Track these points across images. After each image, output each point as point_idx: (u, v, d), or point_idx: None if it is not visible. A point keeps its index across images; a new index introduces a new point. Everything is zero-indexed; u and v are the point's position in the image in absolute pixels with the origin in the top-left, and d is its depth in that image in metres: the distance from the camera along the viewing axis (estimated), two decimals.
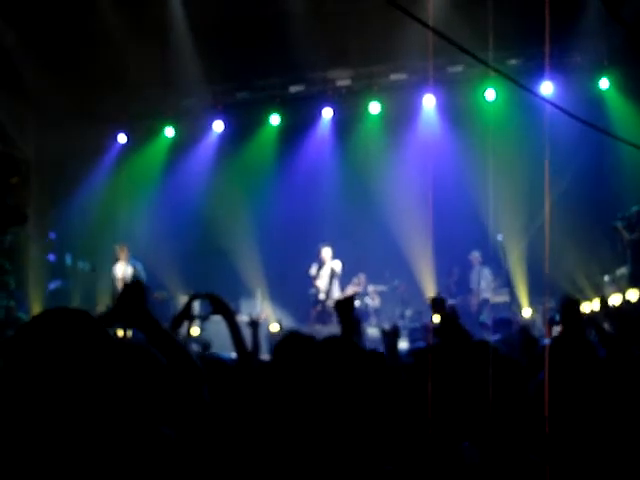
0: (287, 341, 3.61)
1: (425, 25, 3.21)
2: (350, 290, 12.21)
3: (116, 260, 11.87)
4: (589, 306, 10.51)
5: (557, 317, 6.32)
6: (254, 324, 5.28)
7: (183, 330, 3.24)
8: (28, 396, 1.72)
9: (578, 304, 4.97)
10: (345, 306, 3.58)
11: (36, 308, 12.64)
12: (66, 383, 1.72)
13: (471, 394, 2.88)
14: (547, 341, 4.63)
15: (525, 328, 5.53)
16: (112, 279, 11.89)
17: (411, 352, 4.46)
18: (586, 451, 3.02)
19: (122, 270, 11.78)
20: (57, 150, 12.77)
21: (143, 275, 11.84)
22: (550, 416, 2.57)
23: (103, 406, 1.76)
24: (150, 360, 2.64)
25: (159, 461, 1.76)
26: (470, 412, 2.85)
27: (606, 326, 5.32)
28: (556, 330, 6.31)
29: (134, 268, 11.77)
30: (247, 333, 4.04)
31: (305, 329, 6.20)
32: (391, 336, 5.29)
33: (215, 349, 9.41)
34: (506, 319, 9.33)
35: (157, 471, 1.75)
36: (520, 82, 6.04)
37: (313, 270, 12.33)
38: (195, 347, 12.27)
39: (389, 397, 3.13)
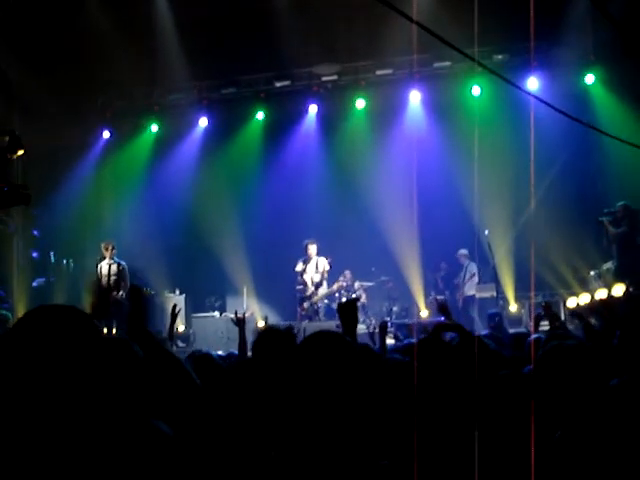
0: (266, 336, 3.60)
1: (410, 19, 3.18)
2: (336, 286, 12.17)
3: (102, 258, 11.76)
4: (575, 300, 10.58)
5: (542, 312, 6.34)
6: (240, 321, 5.27)
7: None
8: (20, 393, 1.69)
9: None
10: (348, 309, 3.56)
11: (20, 305, 12.54)
12: (61, 380, 1.71)
13: (463, 388, 2.87)
14: (535, 336, 4.63)
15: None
16: (97, 276, 11.78)
17: (403, 348, 4.44)
18: (575, 443, 3.01)
19: (107, 268, 11.67)
20: (41, 148, 12.65)
21: (127, 273, 11.74)
22: (537, 408, 2.56)
23: (97, 400, 1.75)
24: (130, 354, 2.65)
25: (153, 456, 1.76)
26: (463, 405, 2.83)
27: (592, 320, 5.34)
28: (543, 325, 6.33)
29: (119, 266, 11.66)
30: (234, 330, 4.04)
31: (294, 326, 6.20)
32: (380, 331, 5.31)
33: (201, 346, 9.41)
34: (496, 313, 9.36)
35: (151, 466, 1.74)
36: (506, 77, 6.03)
37: (299, 266, 12.28)
38: (180, 343, 12.32)
39: (383, 392, 3.12)
